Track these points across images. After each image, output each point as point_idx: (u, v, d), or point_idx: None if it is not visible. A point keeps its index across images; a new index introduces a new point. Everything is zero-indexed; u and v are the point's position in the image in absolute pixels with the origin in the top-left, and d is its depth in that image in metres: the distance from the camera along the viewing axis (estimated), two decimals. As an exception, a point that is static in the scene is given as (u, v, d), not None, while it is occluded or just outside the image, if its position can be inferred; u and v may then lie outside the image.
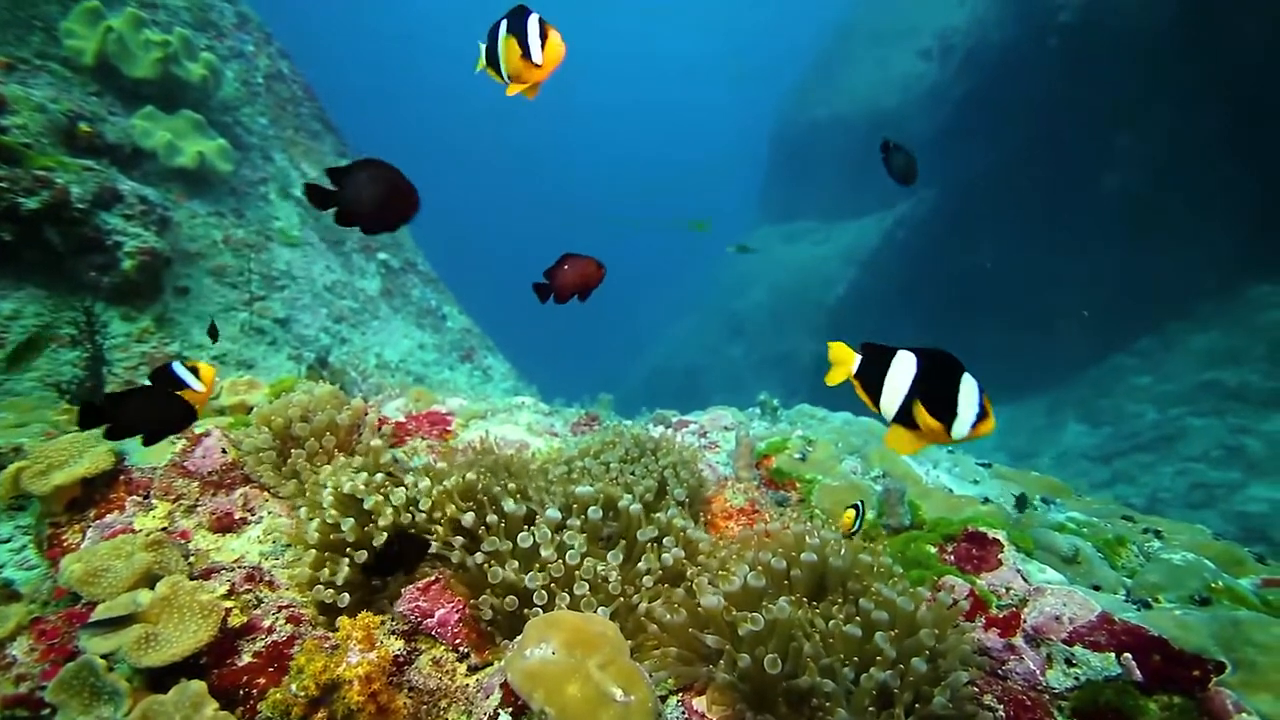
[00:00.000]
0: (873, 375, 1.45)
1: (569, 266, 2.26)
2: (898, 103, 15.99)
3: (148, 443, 1.74)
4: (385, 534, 1.88)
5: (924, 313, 13.65)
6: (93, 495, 2.03)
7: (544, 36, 1.80)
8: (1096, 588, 2.03)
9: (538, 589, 1.82)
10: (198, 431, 2.30)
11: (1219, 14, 10.00)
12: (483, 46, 1.93)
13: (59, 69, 4.87)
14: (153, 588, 1.62)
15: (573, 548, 1.93)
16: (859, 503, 2.06)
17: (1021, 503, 2.48)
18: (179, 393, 1.82)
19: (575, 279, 2.26)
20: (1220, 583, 1.91)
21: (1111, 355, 11.53)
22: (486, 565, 1.85)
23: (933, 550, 2.23)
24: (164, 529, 2.00)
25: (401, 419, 3.14)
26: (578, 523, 2.06)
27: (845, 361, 1.51)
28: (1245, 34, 9.80)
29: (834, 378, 1.52)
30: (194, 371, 1.94)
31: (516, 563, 1.88)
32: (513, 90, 1.92)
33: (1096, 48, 10.87)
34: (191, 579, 1.77)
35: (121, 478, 2.08)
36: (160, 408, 1.75)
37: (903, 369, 1.41)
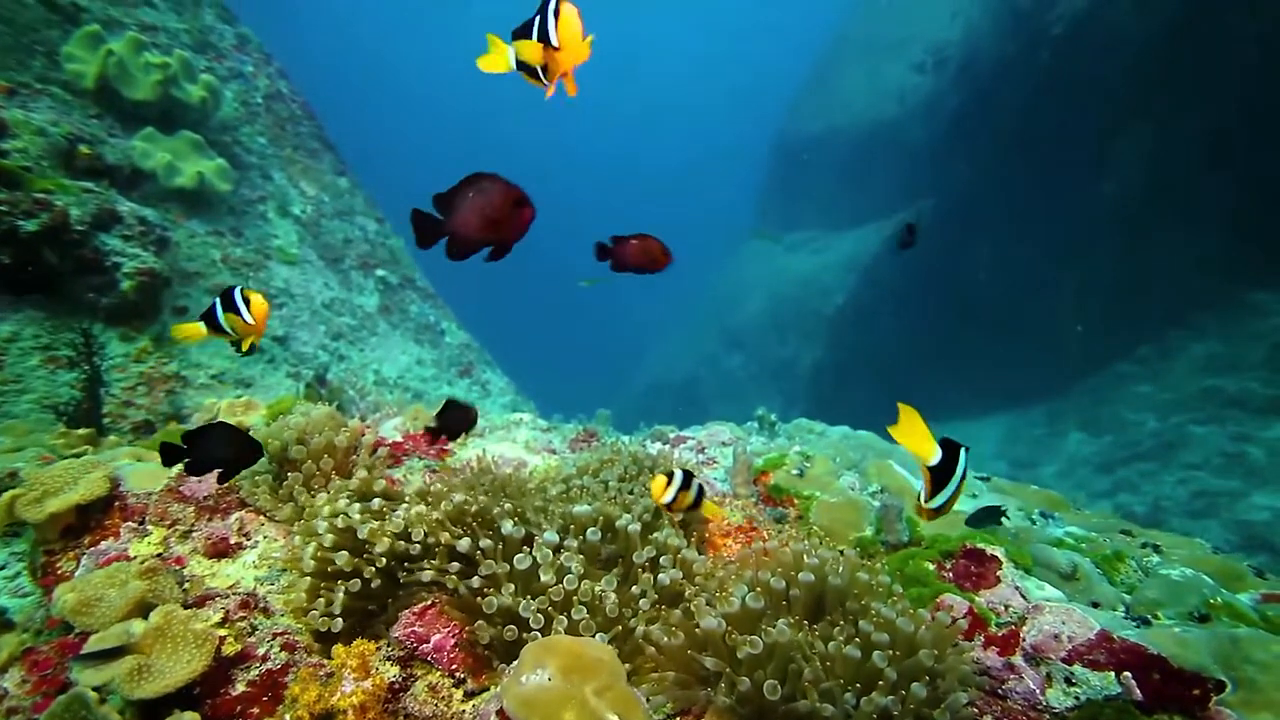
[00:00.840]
0: (942, 471, 1.59)
1: (637, 243, 2.16)
2: (894, 114, 16.13)
3: (222, 480, 1.87)
4: (383, 560, 1.87)
5: (924, 322, 13.68)
6: (88, 521, 2.03)
7: (557, 15, 1.59)
8: (1095, 604, 2.02)
9: (534, 613, 1.81)
10: (194, 455, 2.30)
11: (1210, 22, 10.11)
12: (513, 49, 1.71)
13: (60, 92, 4.92)
14: (146, 617, 1.61)
15: (570, 570, 1.93)
16: (675, 470, 1.89)
17: (984, 517, 2.46)
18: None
19: (639, 257, 2.16)
20: (1219, 599, 1.90)
21: (1111, 363, 11.54)
22: (483, 591, 1.85)
23: (931, 567, 2.22)
24: (159, 555, 1.99)
25: (399, 438, 3.14)
26: (575, 544, 2.05)
27: (920, 438, 1.58)
28: (1237, 40, 9.91)
29: (908, 441, 1.58)
30: (247, 302, 2.09)
31: (514, 586, 1.87)
32: (551, 90, 1.72)
33: (1088, 59, 10.98)
34: (186, 607, 1.76)
35: (117, 504, 2.07)
36: (232, 443, 1.88)
37: (961, 469, 1.60)
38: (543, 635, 1.80)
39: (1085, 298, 11.96)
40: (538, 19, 1.65)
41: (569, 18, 1.61)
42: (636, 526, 2.11)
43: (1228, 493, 7.92)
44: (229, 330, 2.10)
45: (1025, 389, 12.29)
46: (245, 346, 2.27)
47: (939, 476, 1.58)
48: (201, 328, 2.12)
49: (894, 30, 16.73)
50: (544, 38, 1.62)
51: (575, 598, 1.87)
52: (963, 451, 1.59)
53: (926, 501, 1.59)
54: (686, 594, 2.00)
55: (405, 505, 2.06)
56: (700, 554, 2.29)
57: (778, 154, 19.99)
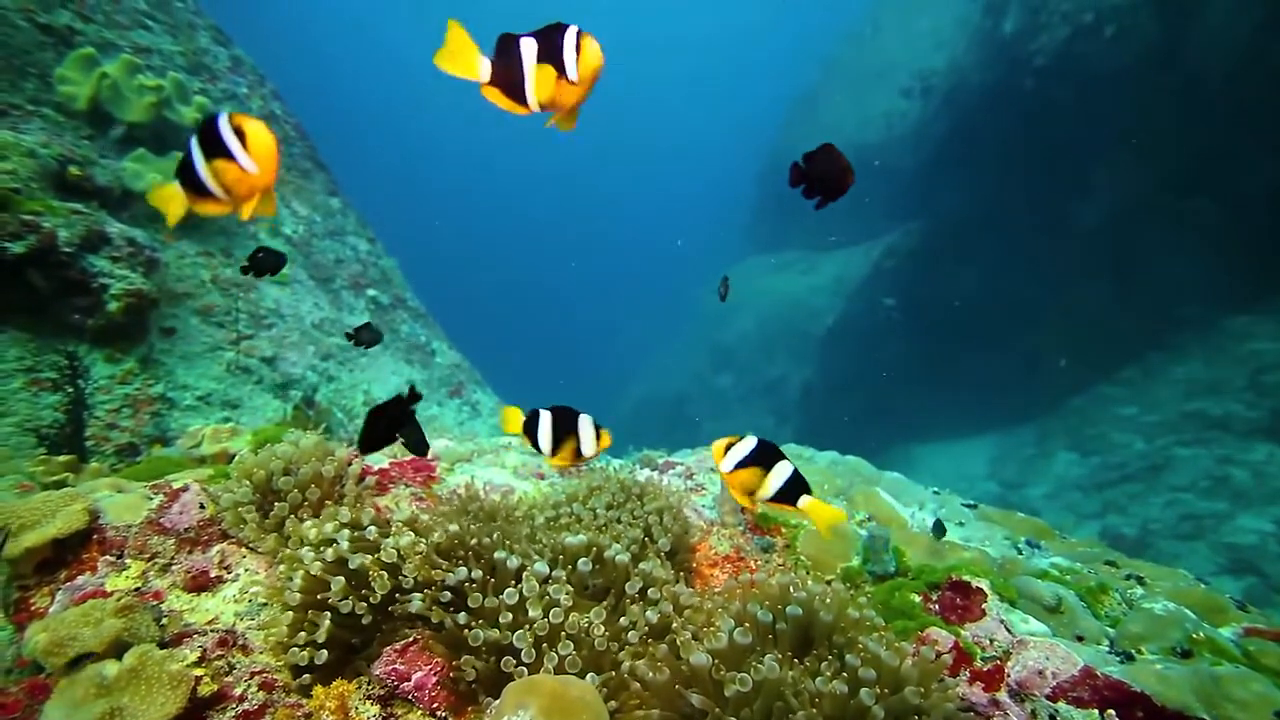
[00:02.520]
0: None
1: (826, 156, 2.00)
2: (882, 138, 16.39)
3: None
4: (378, 596, 1.86)
5: (912, 343, 13.79)
6: (64, 555, 1.99)
7: (579, 49, 1.49)
8: (1080, 638, 2.02)
9: (526, 648, 1.80)
10: (175, 486, 2.27)
11: (1187, 52, 10.42)
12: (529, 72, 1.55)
13: (52, 114, 4.93)
14: (121, 656, 1.58)
15: (559, 603, 1.92)
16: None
17: (938, 528, 2.55)
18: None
19: (835, 172, 2.05)
20: (1201, 633, 1.91)
21: (1096, 385, 11.66)
22: (470, 625, 1.83)
23: (917, 599, 2.22)
24: (137, 589, 1.96)
25: (385, 465, 3.12)
26: (563, 574, 2.04)
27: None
28: (1214, 70, 10.20)
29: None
30: (240, 136, 1.36)
31: (507, 618, 1.86)
32: (556, 121, 1.59)
33: (1071, 89, 11.26)
34: (163, 645, 1.73)
35: (95, 537, 2.04)
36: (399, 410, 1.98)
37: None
38: (530, 670, 1.78)
39: (1071, 319, 12.12)
40: (536, 42, 1.50)
41: (595, 54, 1.48)
42: (625, 557, 2.11)
43: (1214, 515, 7.98)
44: (216, 190, 1.34)
45: (1014, 409, 12.39)
46: (247, 210, 1.41)
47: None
48: (177, 192, 1.41)
49: (881, 57, 17.08)
50: (557, 65, 1.50)
51: (563, 632, 1.85)
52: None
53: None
54: (673, 627, 1.99)
55: (394, 535, 2.04)
56: (687, 585, 2.28)
57: (769, 175, 20.24)
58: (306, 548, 1.93)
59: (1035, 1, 11.74)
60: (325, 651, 1.75)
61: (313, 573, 1.84)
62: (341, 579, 1.82)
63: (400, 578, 1.89)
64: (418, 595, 1.86)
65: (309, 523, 2.07)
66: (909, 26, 16.08)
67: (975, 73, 13.19)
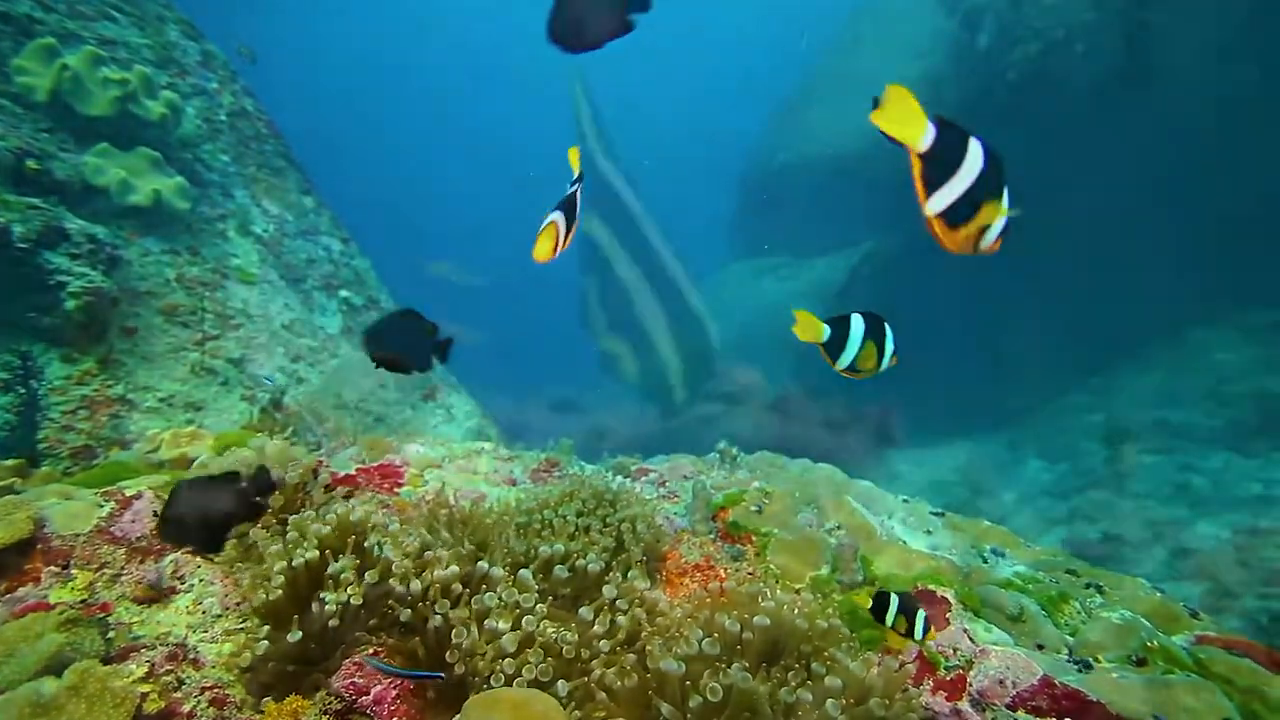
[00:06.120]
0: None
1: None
2: (860, 147, 16.59)
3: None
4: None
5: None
6: (5, 566, 1.91)
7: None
8: (1040, 647, 2.05)
9: (492, 660, 1.77)
10: (129, 493, 2.20)
11: (1158, 70, 10.75)
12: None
13: (8, 105, 4.76)
14: (61, 674, 1.51)
15: (533, 612, 1.91)
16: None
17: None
18: None
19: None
20: (1156, 642, 1.95)
21: (1067, 393, 11.93)
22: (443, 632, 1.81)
23: (884, 608, 2.24)
24: (83, 601, 1.89)
25: (353, 471, 3.06)
26: (536, 583, 2.03)
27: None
28: (1183, 89, 10.52)
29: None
30: None
31: (483, 624, 1.84)
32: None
33: (1043, 103, 11.52)
34: (108, 660, 1.66)
35: (39, 546, 1.96)
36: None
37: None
38: (505, 680, 1.76)
39: (1045, 328, 12.38)
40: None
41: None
42: (598, 566, 2.11)
43: (1174, 522, 8.20)
44: None
45: (988, 415, 12.62)
46: None
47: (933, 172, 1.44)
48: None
49: (861, 67, 17.33)
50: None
51: (536, 641, 1.84)
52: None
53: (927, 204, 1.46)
54: (642, 635, 1.98)
55: (383, 535, 2.01)
56: (662, 595, 2.28)
57: (749, 182, 20.40)
58: (316, 524, 1.89)
59: (1009, 16, 12.01)
60: (300, 632, 1.69)
61: (309, 560, 1.79)
62: (348, 564, 1.80)
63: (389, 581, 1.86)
64: (411, 583, 1.84)
65: (308, 514, 2.03)
66: (888, 37, 16.34)
67: (951, 84, 13.44)
